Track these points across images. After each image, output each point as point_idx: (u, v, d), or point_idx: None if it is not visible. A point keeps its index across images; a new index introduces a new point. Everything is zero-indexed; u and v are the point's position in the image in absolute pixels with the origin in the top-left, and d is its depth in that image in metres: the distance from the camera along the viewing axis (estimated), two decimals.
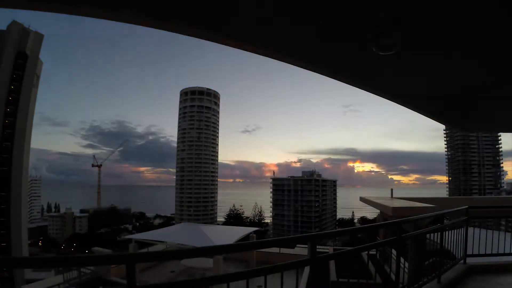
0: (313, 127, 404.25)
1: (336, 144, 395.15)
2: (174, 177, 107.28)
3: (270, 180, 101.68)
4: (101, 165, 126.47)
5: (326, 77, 3.62)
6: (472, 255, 4.92)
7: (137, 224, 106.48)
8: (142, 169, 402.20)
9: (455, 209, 4.68)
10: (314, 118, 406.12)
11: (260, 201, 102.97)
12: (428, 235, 4.37)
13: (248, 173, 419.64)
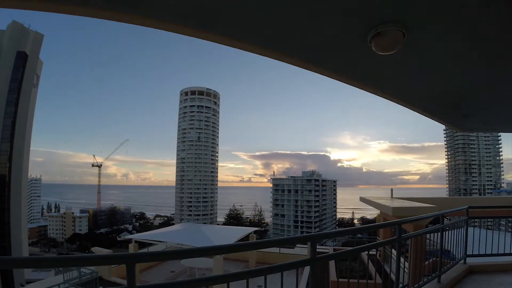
0: (313, 127, 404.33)
1: (329, 143, 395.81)
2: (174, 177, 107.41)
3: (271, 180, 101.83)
4: (101, 165, 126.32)
5: (327, 78, 3.63)
6: (472, 255, 4.91)
7: (137, 224, 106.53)
8: (142, 169, 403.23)
9: (455, 209, 4.67)
10: (312, 118, 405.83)
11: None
12: (428, 235, 4.36)
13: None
